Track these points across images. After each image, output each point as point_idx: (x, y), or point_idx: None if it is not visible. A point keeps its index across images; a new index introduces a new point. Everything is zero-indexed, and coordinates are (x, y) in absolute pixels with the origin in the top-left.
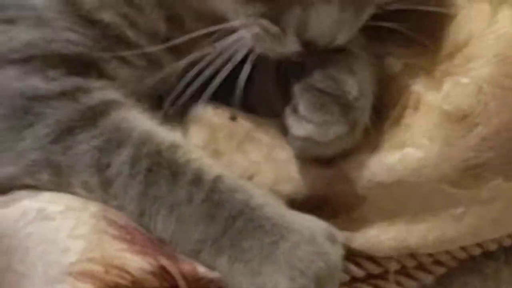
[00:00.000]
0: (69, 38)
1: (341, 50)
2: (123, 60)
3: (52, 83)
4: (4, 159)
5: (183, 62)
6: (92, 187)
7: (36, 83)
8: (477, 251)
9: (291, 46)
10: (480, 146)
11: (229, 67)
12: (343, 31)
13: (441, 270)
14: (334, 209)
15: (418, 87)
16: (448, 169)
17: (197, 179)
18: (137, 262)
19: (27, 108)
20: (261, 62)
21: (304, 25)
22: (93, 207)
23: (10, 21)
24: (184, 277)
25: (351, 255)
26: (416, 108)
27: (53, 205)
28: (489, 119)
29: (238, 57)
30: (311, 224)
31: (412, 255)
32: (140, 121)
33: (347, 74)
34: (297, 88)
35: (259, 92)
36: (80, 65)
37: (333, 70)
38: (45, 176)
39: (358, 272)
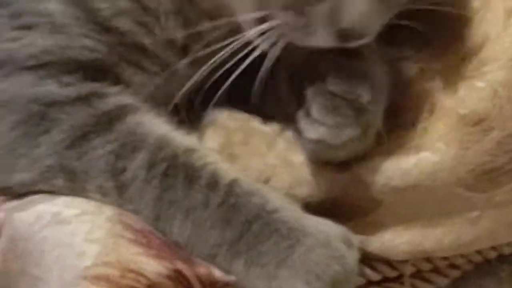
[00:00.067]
0: (85, 44)
1: (354, 54)
2: (139, 67)
3: (67, 88)
4: (19, 165)
5: (203, 72)
6: (107, 191)
7: (51, 88)
8: (492, 255)
9: (321, 38)
10: (495, 150)
11: (243, 65)
12: (374, 24)
13: (456, 274)
14: (350, 212)
15: (434, 91)
16: (463, 173)
17: (213, 183)
18: (153, 266)
19: (42, 114)
20: (274, 67)
21: (335, 12)
22: (109, 211)
23: (27, 28)
24: (200, 280)
25: (367, 258)
26: (431, 112)
27: (69, 209)
28: (505, 122)
29: (256, 52)
30: (326, 228)
31: (428, 259)
32: (156, 125)
33: (360, 77)
34: (310, 92)
35: (273, 97)
36: (96, 71)
37: (346, 74)
38: (60, 182)
39: (373, 275)
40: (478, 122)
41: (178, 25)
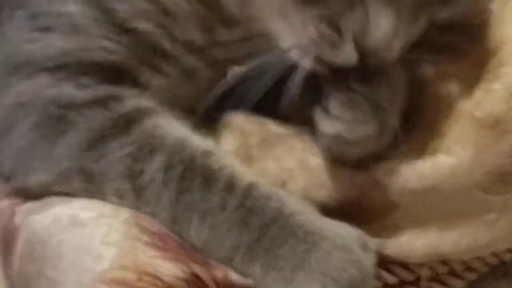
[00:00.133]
0: (104, 46)
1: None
2: (157, 69)
3: (85, 91)
4: (37, 166)
5: (228, 81)
6: (124, 194)
7: (69, 90)
8: (508, 257)
9: (347, 55)
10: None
11: (271, 80)
12: (400, 41)
13: (473, 276)
14: (366, 215)
15: (450, 93)
16: (480, 176)
17: (230, 186)
18: (169, 269)
19: (60, 115)
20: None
21: (363, 30)
22: (125, 213)
23: (45, 29)
24: (217, 283)
25: (384, 261)
26: (448, 114)
27: (85, 212)
28: None
29: (284, 69)
30: (343, 231)
31: (444, 262)
32: (173, 128)
33: (378, 75)
34: (327, 88)
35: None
36: (114, 73)
37: (365, 71)
38: (77, 184)
39: (390, 278)
40: (494, 125)
41: (197, 29)
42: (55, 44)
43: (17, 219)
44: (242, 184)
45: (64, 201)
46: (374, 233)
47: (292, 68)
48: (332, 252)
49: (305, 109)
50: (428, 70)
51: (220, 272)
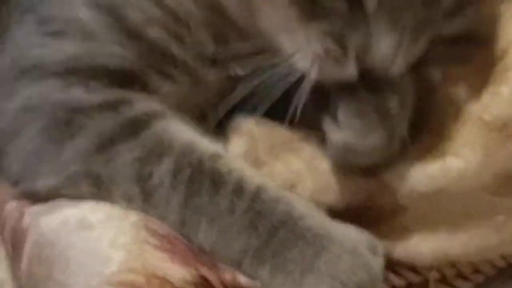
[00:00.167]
0: (114, 51)
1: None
2: (167, 76)
3: (93, 94)
4: (45, 170)
5: (242, 92)
6: (133, 197)
7: (78, 94)
8: None
9: (349, 70)
10: None
11: (280, 89)
12: (401, 60)
13: (480, 278)
14: (375, 218)
15: (458, 97)
16: (489, 178)
17: (239, 189)
18: (178, 272)
19: (68, 119)
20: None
21: (366, 48)
22: (134, 216)
23: (56, 34)
24: (225, 286)
25: (391, 264)
26: (456, 117)
27: (94, 215)
28: None
29: (292, 80)
30: (352, 234)
31: (452, 264)
32: (182, 131)
33: (386, 84)
34: (336, 96)
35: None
36: (123, 78)
37: (374, 79)
38: (85, 187)
39: (398, 281)
40: (501, 128)
41: (208, 37)
42: (66, 49)
43: (26, 221)
44: (250, 187)
45: (73, 204)
46: (382, 236)
47: (301, 77)
48: (341, 255)
49: (314, 116)
50: (435, 74)
51: (228, 275)
